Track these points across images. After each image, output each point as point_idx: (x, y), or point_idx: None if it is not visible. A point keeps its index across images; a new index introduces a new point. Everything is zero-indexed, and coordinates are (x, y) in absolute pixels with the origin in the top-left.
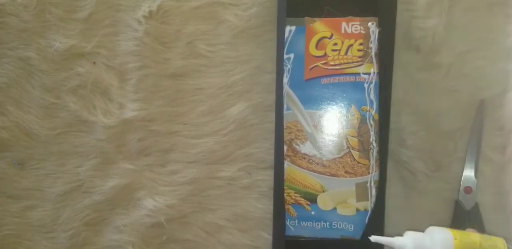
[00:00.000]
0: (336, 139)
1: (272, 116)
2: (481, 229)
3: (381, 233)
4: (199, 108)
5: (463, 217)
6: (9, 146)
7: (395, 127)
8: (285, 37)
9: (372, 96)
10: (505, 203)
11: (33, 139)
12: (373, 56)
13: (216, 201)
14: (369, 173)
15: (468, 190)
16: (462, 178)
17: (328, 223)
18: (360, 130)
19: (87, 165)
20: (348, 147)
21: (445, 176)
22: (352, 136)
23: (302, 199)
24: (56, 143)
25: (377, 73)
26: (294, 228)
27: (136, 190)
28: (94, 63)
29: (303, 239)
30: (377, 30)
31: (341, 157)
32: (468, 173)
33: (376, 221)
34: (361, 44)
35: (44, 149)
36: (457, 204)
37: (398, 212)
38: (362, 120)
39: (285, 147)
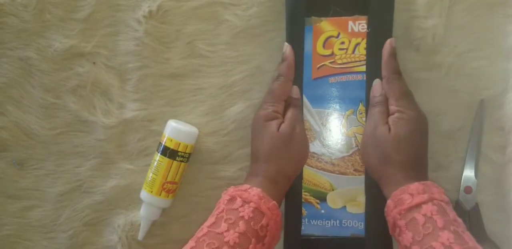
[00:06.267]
0: (344, 137)
1: None
2: (481, 229)
3: (387, 230)
4: (199, 108)
5: (463, 217)
6: (9, 146)
7: None
8: (298, 36)
9: None
10: (505, 203)
11: (33, 139)
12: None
13: (216, 201)
14: None
15: (468, 190)
16: (462, 178)
17: (338, 221)
18: None
19: (87, 165)
20: (356, 145)
21: (445, 176)
22: (361, 134)
23: (312, 197)
24: (56, 143)
25: (364, 72)
26: (305, 226)
27: (136, 190)
28: (94, 63)
29: (313, 237)
30: (366, 31)
31: (350, 155)
32: (468, 173)
33: (380, 218)
34: (366, 43)
35: (43, 149)
36: (457, 204)
37: None
38: None
39: None
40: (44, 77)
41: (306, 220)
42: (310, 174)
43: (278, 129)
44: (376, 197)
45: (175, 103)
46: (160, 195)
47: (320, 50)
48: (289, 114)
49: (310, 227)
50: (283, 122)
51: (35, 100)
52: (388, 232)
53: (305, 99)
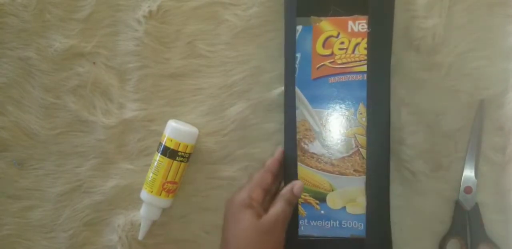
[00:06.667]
0: (344, 137)
1: (272, 115)
2: (481, 229)
3: (387, 231)
4: (199, 108)
5: (463, 217)
6: (9, 146)
7: (395, 126)
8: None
9: None
10: (505, 203)
11: (33, 139)
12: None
13: (216, 201)
14: None
15: (468, 190)
16: (462, 178)
17: (337, 222)
18: None
19: (87, 165)
20: (356, 146)
21: (445, 176)
22: (361, 135)
23: (311, 198)
24: (56, 143)
25: (365, 72)
26: (304, 227)
27: (136, 190)
28: (94, 63)
29: (312, 238)
30: (366, 31)
31: (350, 156)
32: (468, 173)
33: (380, 219)
34: (367, 42)
35: (44, 149)
36: (457, 204)
37: (398, 212)
38: None
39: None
40: (44, 77)
41: (306, 221)
42: (309, 175)
43: (256, 219)
44: (376, 198)
45: (175, 103)
46: (160, 195)
47: (320, 50)
48: (279, 207)
49: (310, 228)
50: (264, 212)
51: (35, 100)
52: (389, 233)
53: (304, 99)
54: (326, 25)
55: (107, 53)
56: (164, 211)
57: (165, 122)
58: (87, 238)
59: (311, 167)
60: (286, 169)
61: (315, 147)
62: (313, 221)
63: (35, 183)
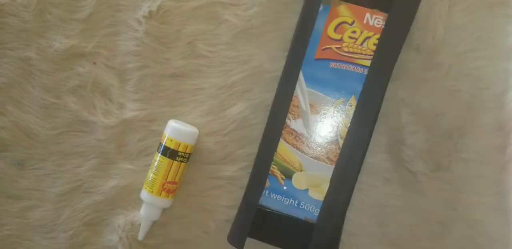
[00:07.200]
0: (327, 124)
1: None
2: None
3: (340, 223)
4: (199, 108)
5: None
6: (9, 146)
7: (395, 127)
8: (313, 13)
9: None
10: (505, 203)
11: (33, 139)
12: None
13: (216, 201)
14: None
15: None
16: None
17: (296, 202)
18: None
19: (87, 165)
20: (337, 135)
21: (445, 176)
22: (344, 126)
23: (278, 172)
24: (56, 143)
25: (368, 67)
26: (264, 198)
27: (136, 190)
28: (94, 63)
29: (268, 210)
30: (380, 27)
31: (328, 143)
32: None
33: (335, 210)
34: (378, 39)
35: (44, 149)
36: None
37: (398, 212)
38: None
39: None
40: (44, 77)
41: (267, 192)
42: (284, 150)
43: None
44: (338, 190)
45: (175, 103)
46: (160, 195)
47: (331, 33)
48: None
49: (269, 200)
50: None
51: (35, 100)
52: (340, 225)
53: (301, 76)
54: (344, 10)
55: (107, 53)
56: (164, 211)
57: (165, 122)
58: (87, 238)
59: (287, 142)
60: (266, 140)
61: (296, 125)
62: (274, 194)
63: (35, 183)
